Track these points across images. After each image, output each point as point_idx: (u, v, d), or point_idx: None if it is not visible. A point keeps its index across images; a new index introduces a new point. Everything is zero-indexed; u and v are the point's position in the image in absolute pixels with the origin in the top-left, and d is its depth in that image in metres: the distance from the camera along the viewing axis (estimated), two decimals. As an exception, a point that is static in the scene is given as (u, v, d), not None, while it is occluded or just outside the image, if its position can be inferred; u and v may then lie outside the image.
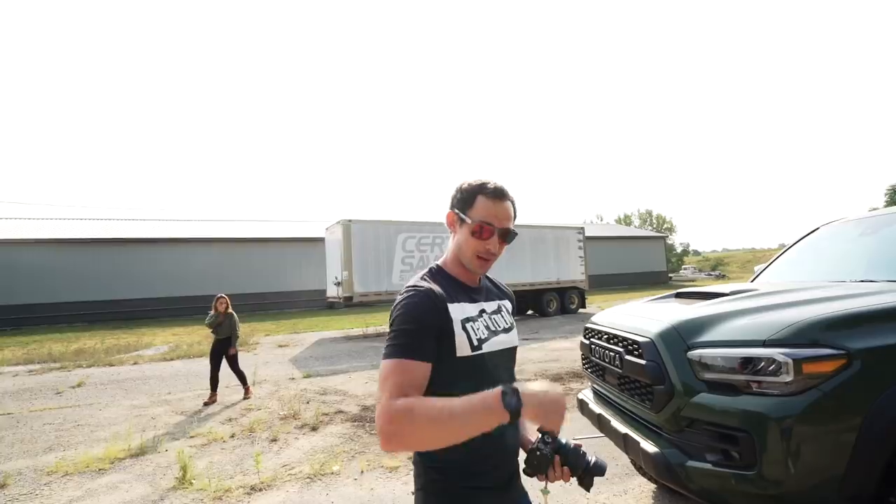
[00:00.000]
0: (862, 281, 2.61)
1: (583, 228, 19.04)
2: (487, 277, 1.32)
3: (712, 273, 54.67)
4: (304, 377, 7.83)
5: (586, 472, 1.00)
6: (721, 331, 2.05)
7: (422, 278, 1.16)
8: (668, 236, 52.32)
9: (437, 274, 1.19)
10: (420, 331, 1.03)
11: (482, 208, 1.14)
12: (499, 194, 1.15)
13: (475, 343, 1.10)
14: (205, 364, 6.71)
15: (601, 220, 63.68)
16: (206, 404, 6.25)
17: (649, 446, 2.09)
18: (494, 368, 1.14)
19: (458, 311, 1.11)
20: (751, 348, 1.87)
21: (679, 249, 66.30)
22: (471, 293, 1.20)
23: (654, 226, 61.16)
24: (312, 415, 5.40)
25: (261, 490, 3.56)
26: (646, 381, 2.18)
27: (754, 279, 3.71)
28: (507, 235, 1.16)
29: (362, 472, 3.82)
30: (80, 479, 3.92)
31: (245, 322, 17.63)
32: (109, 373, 8.96)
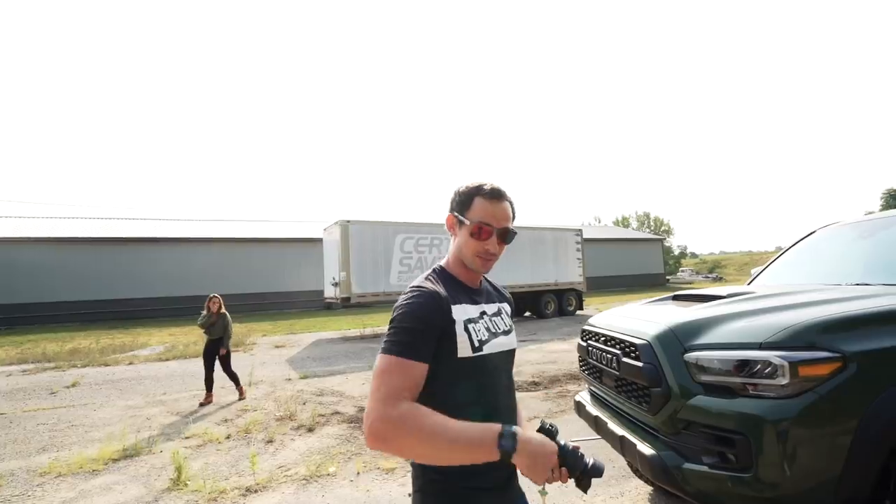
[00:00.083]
0: (858, 284, 2.62)
1: (581, 230, 19.09)
2: (487, 280, 1.33)
3: (710, 275, 54.83)
4: (301, 378, 7.81)
5: (584, 474, 1.00)
6: (718, 333, 2.05)
7: (426, 278, 1.16)
8: (665, 239, 52.43)
9: (440, 275, 1.20)
10: (422, 331, 1.03)
11: (480, 209, 1.15)
12: (496, 195, 1.16)
13: (476, 344, 1.11)
14: (201, 364, 6.68)
15: (599, 222, 63.85)
16: (201, 405, 6.22)
17: (646, 448, 2.08)
18: (494, 370, 1.16)
19: (461, 312, 1.12)
20: (747, 351, 1.87)
21: (676, 252, 66.48)
22: (472, 294, 1.21)
23: (652, 228, 61.31)
24: (309, 416, 5.38)
25: (256, 491, 3.54)
26: (643, 384, 2.18)
27: (751, 282, 3.73)
28: (506, 235, 1.17)
29: (358, 473, 3.80)
30: (74, 480, 3.90)
31: (242, 322, 17.59)
32: (104, 373, 8.91)
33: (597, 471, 1.00)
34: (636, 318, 2.58)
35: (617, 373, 2.44)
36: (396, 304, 1.10)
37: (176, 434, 5.05)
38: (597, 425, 2.66)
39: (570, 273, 17.83)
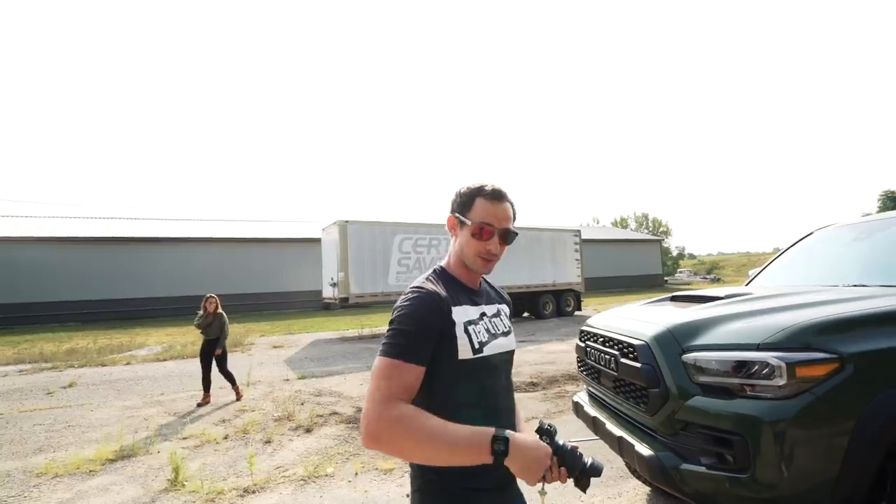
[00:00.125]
0: (855, 285, 2.63)
1: (579, 231, 19.10)
2: (486, 281, 1.33)
3: (707, 276, 54.98)
4: (299, 378, 7.80)
5: (583, 474, 1.01)
6: (716, 334, 2.06)
7: (427, 279, 1.17)
8: (663, 240, 52.50)
9: (441, 275, 1.20)
10: (419, 334, 1.04)
11: (481, 210, 1.16)
12: (497, 196, 1.17)
13: (476, 346, 1.12)
14: (198, 365, 6.67)
15: (597, 222, 63.89)
16: (199, 405, 6.21)
17: (644, 449, 2.09)
18: (494, 371, 1.17)
19: (461, 313, 1.13)
20: (745, 352, 1.88)
21: (675, 253, 66.57)
22: (472, 295, 1.21)
23: (650, 229, 61.40)
24: (307, 416, 5.37)
25: (254, 492, 3.53)
26: (641, 384, 2.18)
27: (749, 283, 3.74)
28: (507, 236, 1.18)
29: (356, 474, 3.80)
30: (71, 481, 3.88)
31: (241, 322, 17.56)
32: (102, 373, 8.88)
33: (595, 470, 1.01)
34: (634, 319, 2.58)
35: (615, 373, 2.45)
36: (396, 305, 1.10)
37: (173, 434, 5.03)
38: (595, 426, 2.66)
39: (569, 274, 17.84)
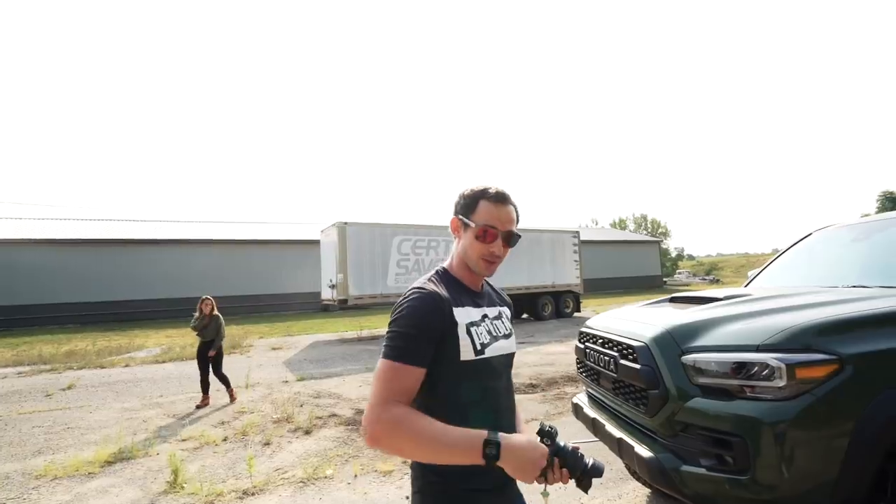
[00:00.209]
0: (854, 286, 2.63)
1: (578, 232, 19.13)
2: (488, 283, 1.34)
3: (706, 278, 54.99)
4: (298, 380, 7.79)
5: (584, 474, 1.01)
6: (715, 335, 2.06)
7: (429, 280, 1.17)
8: (662, 241, 52.57)
9: (443, 277, 1.21)
10: (419, 335, 1.05)
11: (485, 212, 1.16)
12: (501, 198, 1.18)
13: (478, 347, 1.12)
14: (196, 367, 6.66)
15: (596, 224, 63.94)
16: (198, 407, 6.20)
17: (644, 451, 2.09)
18: (494, 372, 1.17)
19: (463, 315, 1.13)
20: (744, 353, 1.88)
21: (674, 254, 66.61)
22: (474, 297, 1.22)
23: (649, 230, 61.47)
24: (306, 418, 5.37)
25: (253, 494, 3.52)
26: (640, 386, 2.18)
27: (748, 284, 3.74)
28: (511, 238, 1.19)
29: (356, 476, 3.79)
30: (70, 483, 3.87)
31: (239, 324, 17.53)
32: (100, 375, 8.86)
33: (597, 471, 1.01)
34: (633, 321, 2.58)
35: (614, 375, 2.45)
36: (396, 306, 1.11)
37: (172, 436, 5.02)
38: (594, 427, 2.66)
39: (568, 275, 17.85)
